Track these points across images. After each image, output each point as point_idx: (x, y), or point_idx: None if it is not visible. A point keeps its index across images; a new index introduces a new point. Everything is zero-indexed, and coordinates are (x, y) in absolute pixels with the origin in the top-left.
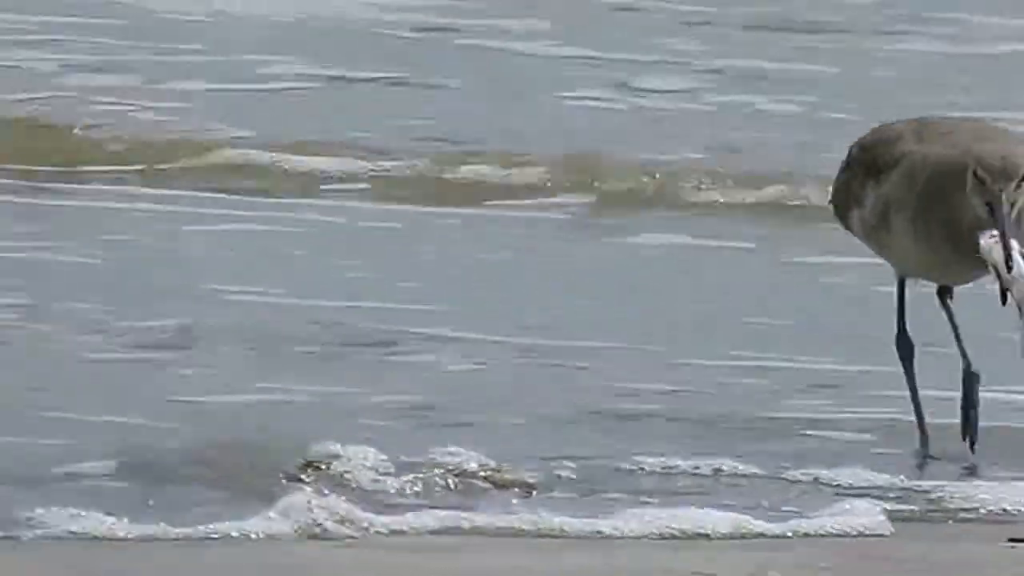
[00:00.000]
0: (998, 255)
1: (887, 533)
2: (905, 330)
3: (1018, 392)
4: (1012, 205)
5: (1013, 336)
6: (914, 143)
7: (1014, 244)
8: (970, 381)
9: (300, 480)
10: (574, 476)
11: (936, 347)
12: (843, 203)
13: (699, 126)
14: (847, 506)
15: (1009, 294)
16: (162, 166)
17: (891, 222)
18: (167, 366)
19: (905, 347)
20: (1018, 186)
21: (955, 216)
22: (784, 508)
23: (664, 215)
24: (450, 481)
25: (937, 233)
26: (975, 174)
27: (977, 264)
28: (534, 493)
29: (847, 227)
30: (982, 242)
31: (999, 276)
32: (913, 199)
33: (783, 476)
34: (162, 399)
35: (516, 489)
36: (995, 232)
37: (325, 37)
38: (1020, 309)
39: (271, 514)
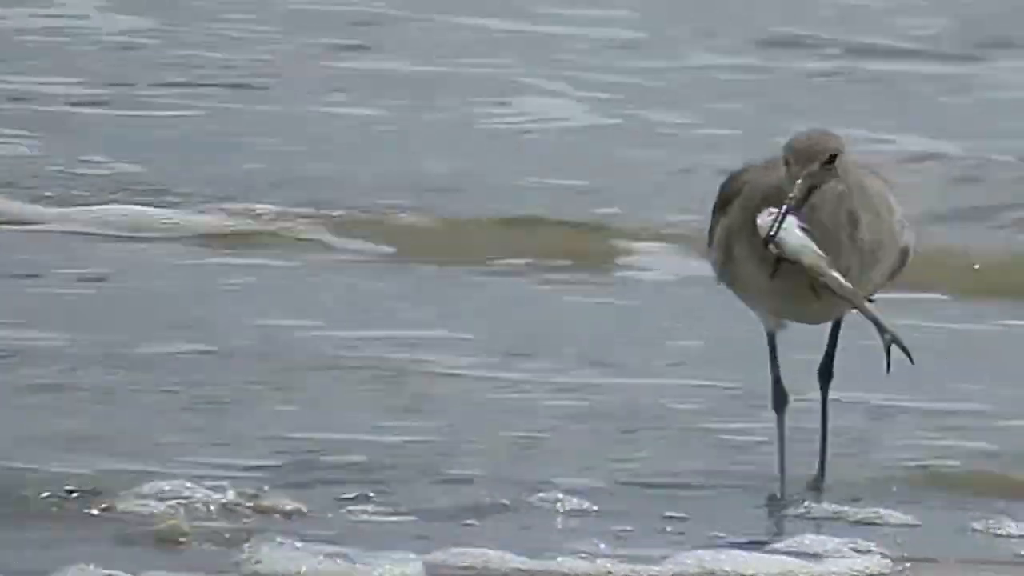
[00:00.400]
0: (765, 221)
1: None
2: (780, 380)
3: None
4: (814, 187)
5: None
6: (758, 173)
7: (792, 219)
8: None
9: None
10: None
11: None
12: (708, 249)
13: None
14: None
15: (777, 260)
16: None
17: (734, 251)
18: None
19: (779, 398)
20: (823, 166)
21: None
22: None
23: None
24: None
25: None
26: (784, 158)
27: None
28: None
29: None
30: (759, 220)
31: (771, 246)
32: (750, 223)
33: None
34: None
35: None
36: (773, 210)
37: None
38: (811, 271)
39: None
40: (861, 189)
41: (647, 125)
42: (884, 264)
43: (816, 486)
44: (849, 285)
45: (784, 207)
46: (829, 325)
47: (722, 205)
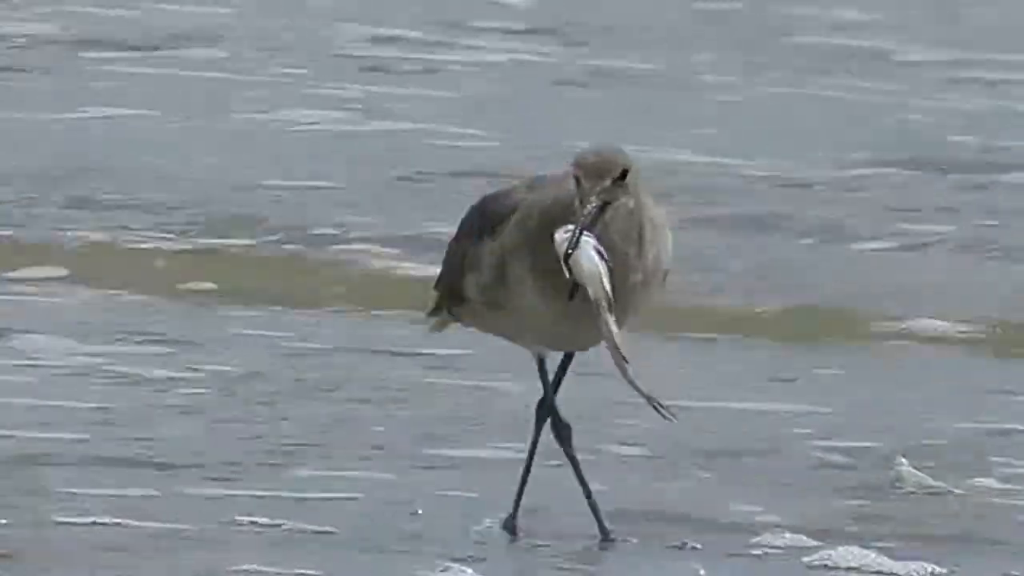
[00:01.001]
0: (562, 238)
1: None
2: (552, 401)
3: None
4: (607, 203)
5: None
6: (526, 193)
7: (588, 239)
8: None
9: None
10: None
11: None
12: (454, 276)
13: None
14: None
15: (575, 283)
16: None
17: (508, 275)
18: None
19: (544, 414)
20: (615, 183)
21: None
22: None
23: None
24: None
25: (556, 271)
26: (574, 175)
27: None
28: None
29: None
30: (556, 236)
31: (565, 266)
32: (529, 242)
33: None
34: None
35: None
36: (570, 227)
37: None
38: (592, 302)
39: None
40: (644, 206)
41: None
42: (659, 283)
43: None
44: (616, 335)
45: (579, 225)
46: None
47: (489, 227)
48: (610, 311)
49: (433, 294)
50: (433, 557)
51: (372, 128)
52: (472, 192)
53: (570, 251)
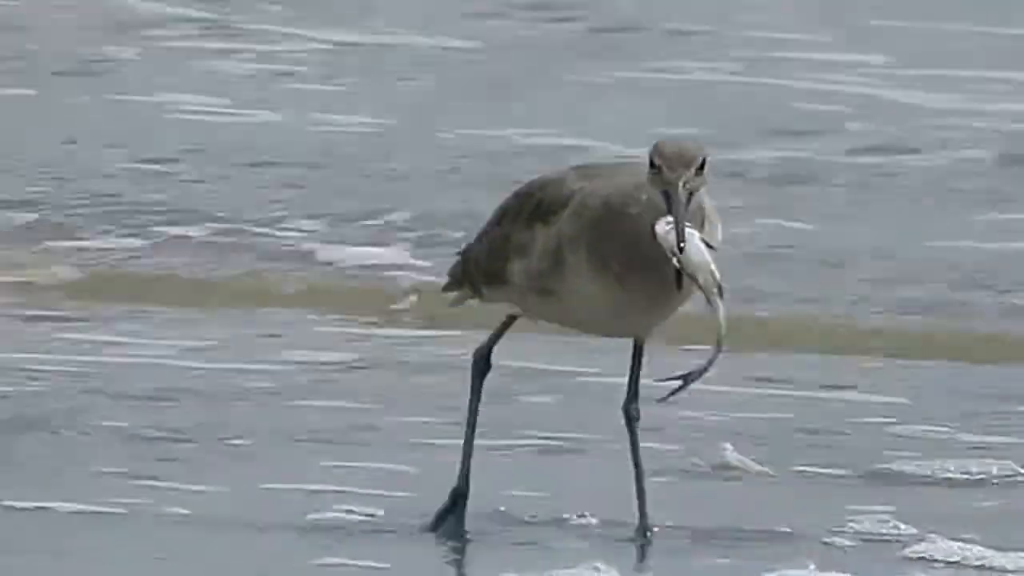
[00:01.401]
0: (672, 237)
1: None
2: (491, 352)
3: None
4: (691, 194)
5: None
6: (579, 180)
7: (692, 230)
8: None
9: None
10: None
11: None
12: (496, 260)
13: None
14: None
15: (684, 276)
16: None
17: (564, 263)
18: None
19: (482, 365)
20: (696, 173)
21: (631, 240)
22: None
23: None
24: None
25: (617, 260)
26: (652, 163)
27: (659, 291)
28: None
29: (487, 289)
30: (658, 228)
31: (676, 259)
32: (588, 232)
33: None
34: None
35: None
36: (670, 219)
37: None
38: (703, 291)
39: None
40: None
41: None
42: None
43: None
44: (724, 323)
45: (678, 217)
46: (631, 353)
47: (542, 214)
48: (721, 297)
49: (455, 272)
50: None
51: None
52: None
53: (682, 244)
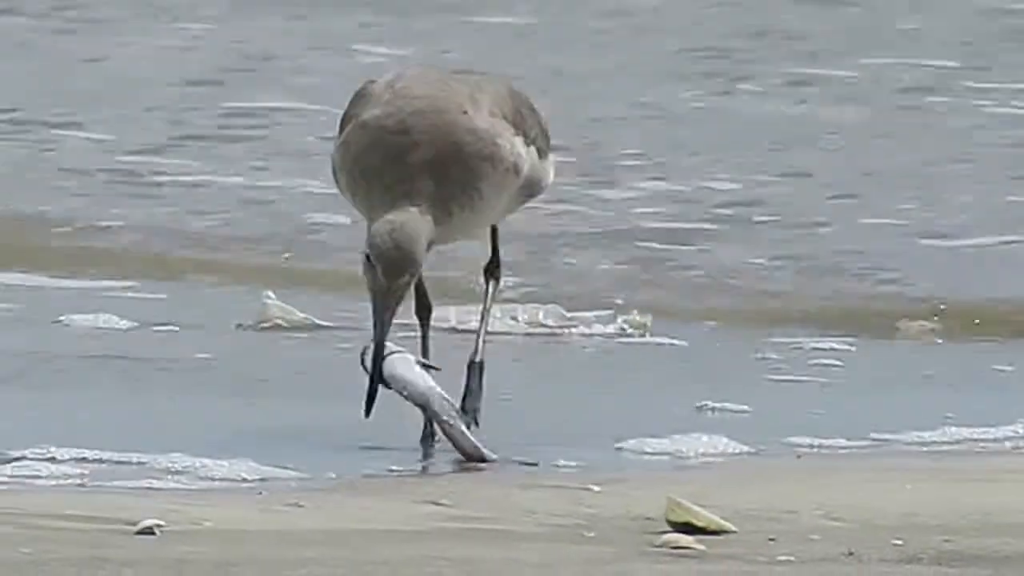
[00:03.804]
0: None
1: None
2: (424, 292)
3: None
4: (398, 297)
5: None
6: (372, 104)
7: (405, 354)
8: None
9: None
10: None
11: None
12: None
13: None
14: None
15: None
16: None
17: (338, 182)
18: None
19: (423, 310)
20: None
21: (380, 207)
22: None
23: None
24: None
25: (363, 213)
26: (367, 258)
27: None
28: None
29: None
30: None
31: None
32: (348, 168)
33: None
34: None
35: None
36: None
37: None
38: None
39: None
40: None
41: None
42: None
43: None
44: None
45: (378, 332)
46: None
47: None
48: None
49: None
50: None
51: None
52: None
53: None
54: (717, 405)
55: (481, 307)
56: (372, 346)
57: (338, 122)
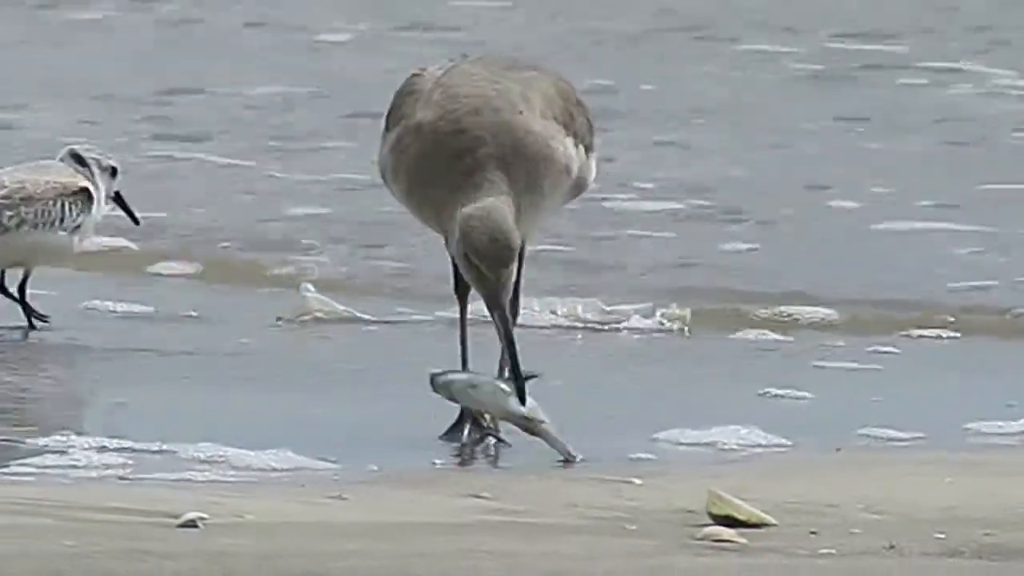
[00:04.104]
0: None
1: None
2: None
3: None
4: (509, 286)
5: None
6: (422, 102)
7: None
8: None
9: None
10: None
11: None
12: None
13: None
14: None
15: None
16: None
17: (389, 184)
18: None
19: (463, 286)
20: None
21: (440, 206)
22: None
23: None
24: None
25: (429, 214)
26: (467, 257)
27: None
28: None
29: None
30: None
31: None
32: (404, 171)
33: None
34: None
35: None
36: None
37: None
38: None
39: None
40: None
41: None
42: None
43: None
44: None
45: (508, 344)
46: None
47: (386, 118)
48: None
49: None
50: None
51: None
52: None
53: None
54: (780, 392)
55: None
56: (444, 372)
57: (384, 118)
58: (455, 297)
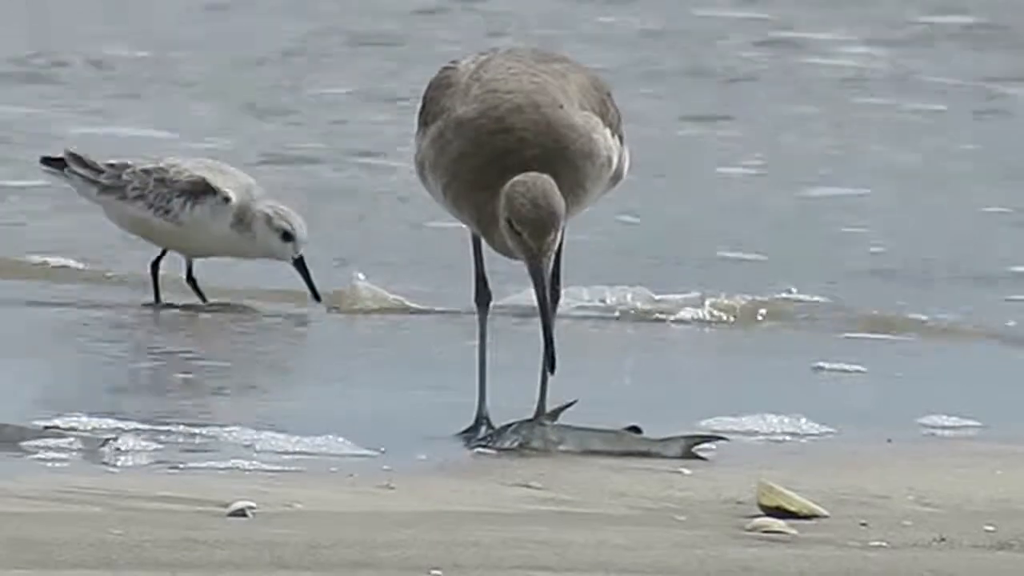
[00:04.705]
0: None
1: None
2: (483, 276)
3: None
4: (551, 256)
5: None
6: (460, 97)
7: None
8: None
9: None
10: None
11: None
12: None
13: None
14: None
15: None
16: None
17: (428, 180)
18: None
19: (482, 294)
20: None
21: (492, 197)
22: None
23: None
24: None
25: (470, 210)
26: (510, 224)
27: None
28: None
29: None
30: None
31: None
32: (445, 167)
33: None
34: None
35: None
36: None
37: None
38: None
39: None
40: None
41: None
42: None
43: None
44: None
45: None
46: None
47: (420, 112)
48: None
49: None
50: None
51: None
52: None
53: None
54: (834, 366)
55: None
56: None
57: (418, 112)
58: (474, 306)
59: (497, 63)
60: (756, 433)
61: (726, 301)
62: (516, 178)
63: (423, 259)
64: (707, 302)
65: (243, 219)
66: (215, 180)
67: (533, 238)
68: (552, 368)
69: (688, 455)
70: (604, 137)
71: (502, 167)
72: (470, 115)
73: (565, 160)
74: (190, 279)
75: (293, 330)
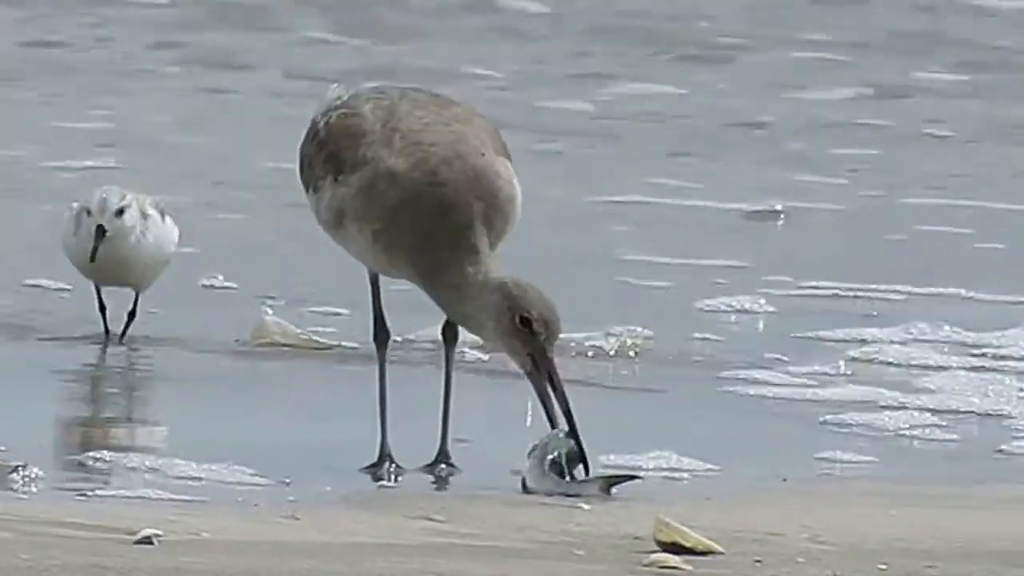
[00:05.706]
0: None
1: None
2: (381, 316)
3: None
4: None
5: None
6: (383, 147)
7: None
8: None
9: None
10: None
11: None
12: (304, 179)
13: None
14: None
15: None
16: None
17: (348, 228)
18: None
19: (382, 334)
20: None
21: (427, 243)
22: None
23: None
24: None
25: (407, 255)
26: (522, 320)
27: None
28: None
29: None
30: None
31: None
32: (378, 217)
33: None
34: None
35: None
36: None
37: None
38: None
39: None
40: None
41: None
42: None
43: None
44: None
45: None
46: None
47: (328, 159)
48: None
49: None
50: None
51: None
52: None
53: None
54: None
55: (445, 372)
56: (529, 472)
57: (319, 161)
58: (374, 346)
59: (405, 110)
60: (655, 469)
61: (630, 340)
62: (512, 279)
63: (333, 295)
64: (612, 339)
65: None
66: None
67: (549, 341)
68: (587, 470)
69: (607, 494)
70: (515, 179)
71: (444, 223)
72: (403, 167)
73: (496, 208)
74: (102, 309)
75: (199, 361)
